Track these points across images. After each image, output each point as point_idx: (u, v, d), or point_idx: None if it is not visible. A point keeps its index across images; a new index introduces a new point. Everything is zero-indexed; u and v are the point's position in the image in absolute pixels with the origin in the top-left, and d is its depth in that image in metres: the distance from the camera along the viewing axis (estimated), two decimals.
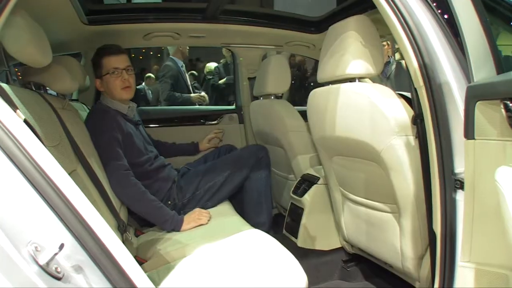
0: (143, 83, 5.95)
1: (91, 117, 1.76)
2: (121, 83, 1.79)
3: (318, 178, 1.98)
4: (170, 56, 3.57)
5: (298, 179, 2.10)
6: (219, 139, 2.52)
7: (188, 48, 3.64)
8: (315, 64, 6.56)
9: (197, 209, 1.75)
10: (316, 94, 1.63)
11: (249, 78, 2.71)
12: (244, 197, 2.05)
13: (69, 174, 1.22)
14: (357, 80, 1.41)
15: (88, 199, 1.28)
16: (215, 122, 2.74)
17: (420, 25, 1.10)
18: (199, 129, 2.67)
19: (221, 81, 4.58)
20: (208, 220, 1.69)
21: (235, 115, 2.77)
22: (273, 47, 2.69)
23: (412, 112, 1.25)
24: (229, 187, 1.96)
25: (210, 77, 4.66)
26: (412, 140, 1.27)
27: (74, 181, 1.21)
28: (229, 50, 2.83)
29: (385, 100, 1.29)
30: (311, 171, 2.07)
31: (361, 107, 1.34)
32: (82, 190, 1.25)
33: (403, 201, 1.33)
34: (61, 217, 0.71)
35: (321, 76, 1.54)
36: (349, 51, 1.38)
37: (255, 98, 2.54)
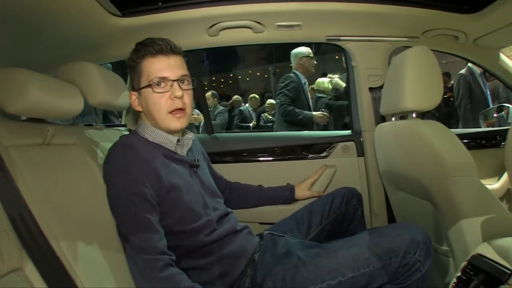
0: (247, 104, 5.63)
1: (107, 159, 1.13)
2: (169, 103, 1.13)
3: (509, 273, 0.99)
4: (292, 70, 3.15)
5: (463, 264, 1.12)
6: (325, 184, 1.71)
7: (314, 62, 3.15)
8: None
9: None
10: None
11: (371, 89, 1.84)
12: None
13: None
14: None
15: None
16: (323, 154, 1.91)
17: None
18: (298, 165, 1.88)
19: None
20: None
21: (351, 143, 1.89)
22: (405, 39, 1.78)
23: None
24: None
25: (320, 94, 3.93)
26: None
27: None
28: (339, 47, 1.90)
29: None
30: (489, 251, 1.06)
31: None
32: None
33: None
34: None
35: None
36: None
37: (383, 118, 1.69)
